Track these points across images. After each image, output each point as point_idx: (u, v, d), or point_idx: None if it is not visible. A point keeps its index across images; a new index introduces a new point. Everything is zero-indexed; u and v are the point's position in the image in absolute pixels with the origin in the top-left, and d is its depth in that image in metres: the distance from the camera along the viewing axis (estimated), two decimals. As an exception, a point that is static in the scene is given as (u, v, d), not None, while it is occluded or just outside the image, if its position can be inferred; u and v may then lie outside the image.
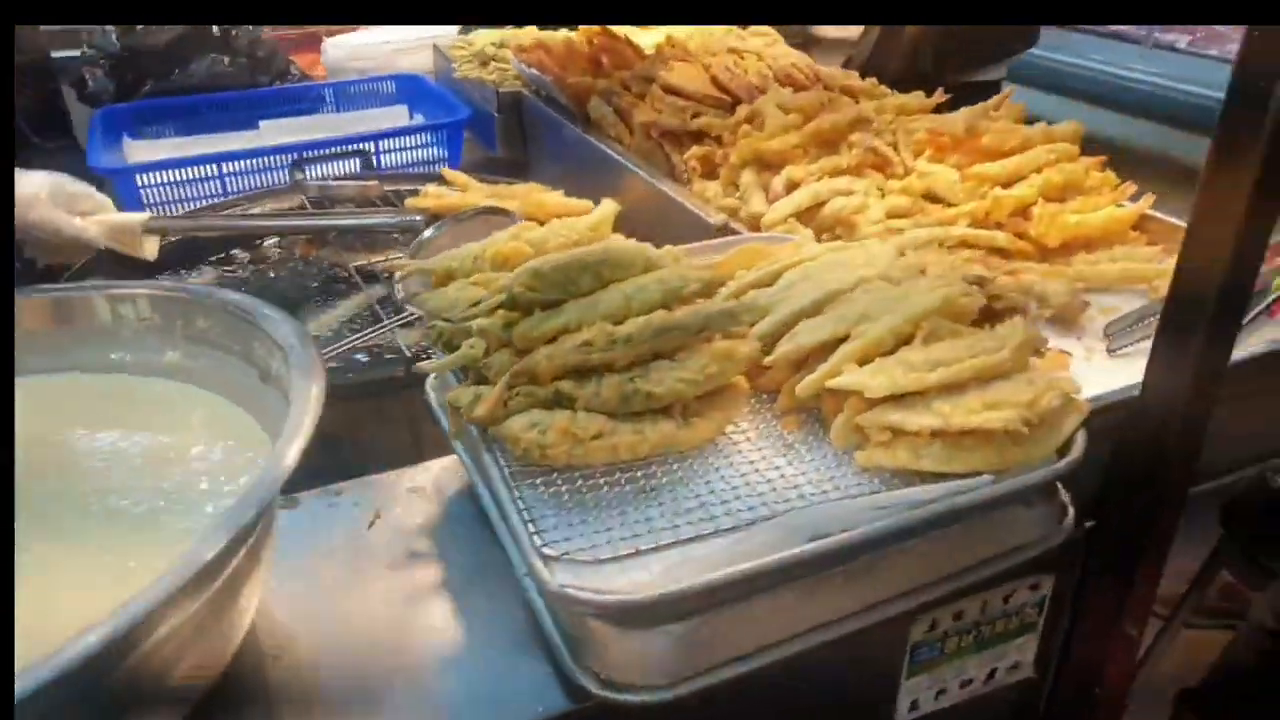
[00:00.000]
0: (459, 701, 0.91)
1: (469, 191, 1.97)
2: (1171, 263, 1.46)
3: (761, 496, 0.95)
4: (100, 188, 1.87)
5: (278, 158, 2.24)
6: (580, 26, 2.27)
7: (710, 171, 1.72)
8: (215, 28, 2.84)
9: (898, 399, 0.96)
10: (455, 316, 0.98)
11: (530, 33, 2.51)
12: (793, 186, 1.57)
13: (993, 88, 2.57)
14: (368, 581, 1.08)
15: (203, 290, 1.14)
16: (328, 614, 1.02)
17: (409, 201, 1.93)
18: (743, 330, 1.07)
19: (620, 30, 2.20)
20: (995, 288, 1.24)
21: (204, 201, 2.20)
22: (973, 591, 1.14)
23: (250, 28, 2.90)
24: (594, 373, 0.96)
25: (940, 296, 1.02)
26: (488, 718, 0.90)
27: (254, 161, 2.26)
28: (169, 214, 2.01)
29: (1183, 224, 1.54)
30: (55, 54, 2.87)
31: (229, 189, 2.28)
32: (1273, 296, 1.29)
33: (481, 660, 0.95)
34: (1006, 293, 1.25)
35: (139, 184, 2.20)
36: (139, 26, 2.78)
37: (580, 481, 0.96)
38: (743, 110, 1.73)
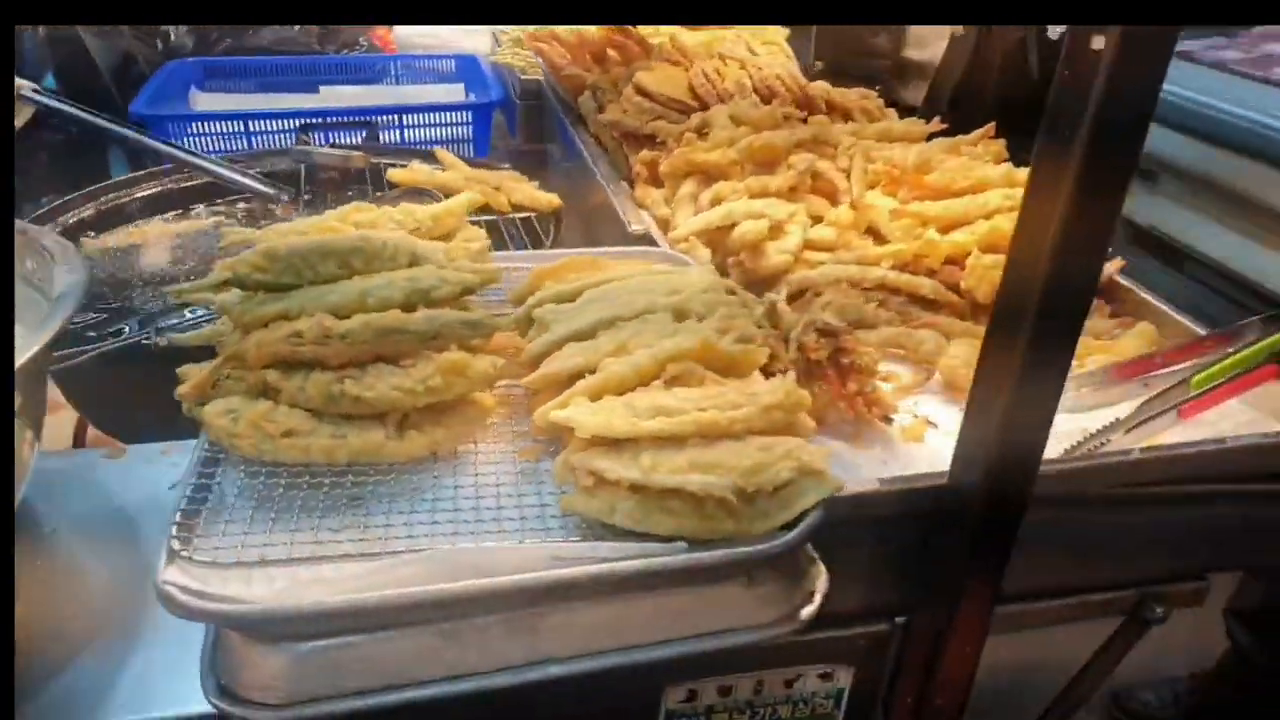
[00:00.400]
0: (103, 686, 0.88)
1: (449, 171, 1.95)
2: (1127, 339, 1.30)
3: (461, 524, 0.87)
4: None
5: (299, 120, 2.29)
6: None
7: (658, 178, 1.63)
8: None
9: (612, 443, 0.86)
10: (186, 289, 0.94)
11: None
12: (720, 203, 1.46)
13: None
14: (115, 545, 1.06)
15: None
16: (47, 569, 1.01)
17: (389, 174, 1.94)
18: (509, 343, 0.99)
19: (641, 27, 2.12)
20: (847, 342, 1.11)
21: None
22: (743, 668, 1.03)
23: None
24: (306, 366, 0.91)
25: (697, 339, 0.91)
26: (122, 703, 0.86)
27: (278, 122, 2.31)
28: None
29: (1150, 297, 1.37)
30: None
31: (254, 145, 2.34)
32: (1186, 397, 1.10)
33: (156, 646, 0.92)
34: (860, 348, 1.12)
35: (169, 131, 2.28)
36: None
37: (285, 477, 0.91)
38: (695, 119, 1.62)
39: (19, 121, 1.69)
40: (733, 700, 1.05)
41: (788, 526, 0.84)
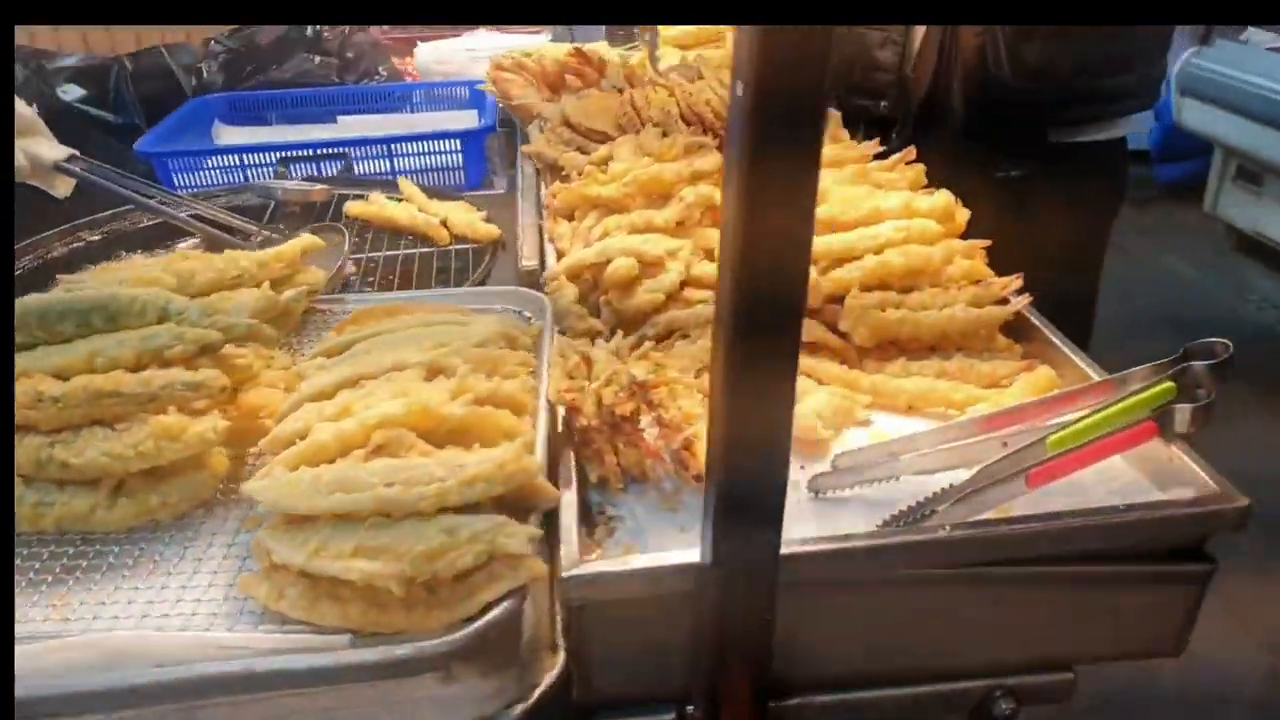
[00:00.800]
0: None
1: (398, 204, 1.93)
2: (1016, 387, 1.16)
3: (157, 604, 0.83)
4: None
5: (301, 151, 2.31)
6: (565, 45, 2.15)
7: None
8: (310, 29, 2.99)
9: (296, 520, 0.80)
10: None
11: (555, 49, 2.41)
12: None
13: (1111, 149, 2.07)
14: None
15: None
16: None
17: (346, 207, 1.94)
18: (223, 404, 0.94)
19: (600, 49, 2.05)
20: (655, 396, 1.02)
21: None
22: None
23: (344, 30, 3.02)
24: (23, 430, 0.88)
25: (408, 404, 0.83)
26: None
27: (266, 156, 2.35)
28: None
29: (1053, 337, 1.22)
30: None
31: (249, 179, 2.38)
32: (1040, 459, 0.96)
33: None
34: (670, 403, 1.02)
35: (170, 168, 2.35)
36: (249, 28, 2.98)
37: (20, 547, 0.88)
38: (602, 150, 1.54)
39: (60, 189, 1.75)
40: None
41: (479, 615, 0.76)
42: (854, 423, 1.15)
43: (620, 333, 1.23)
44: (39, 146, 1.73)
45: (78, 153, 1.71)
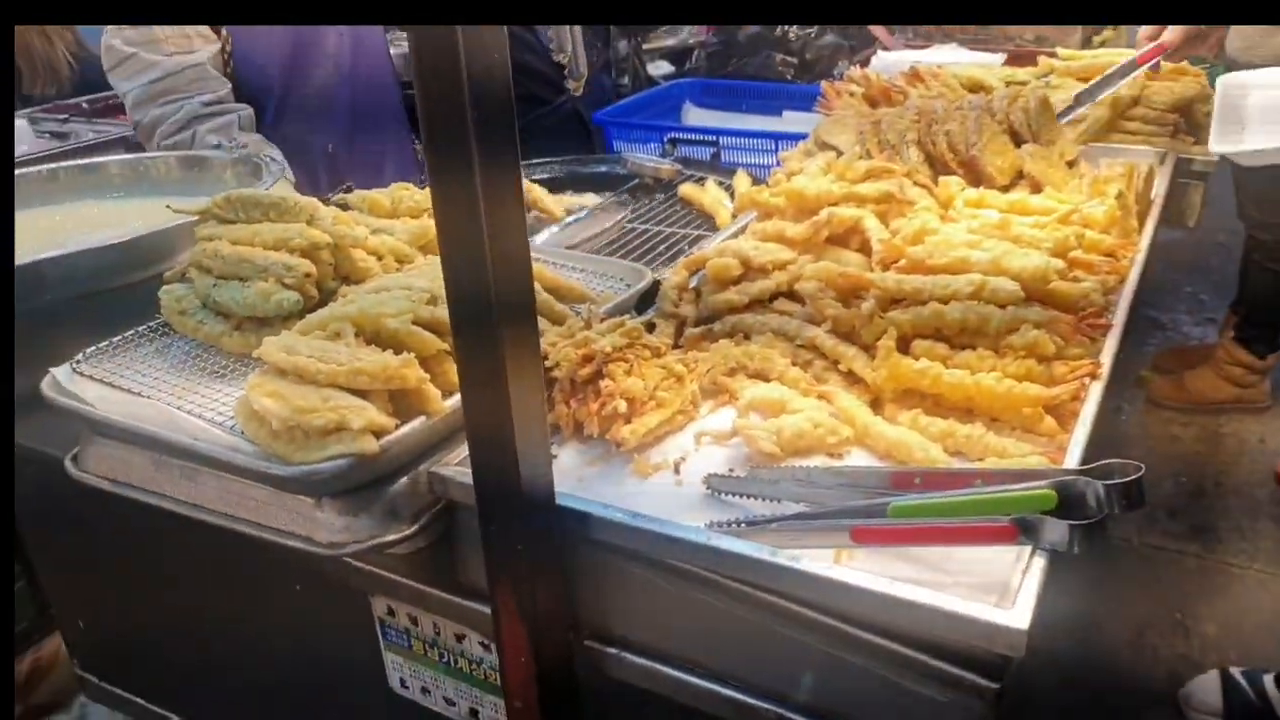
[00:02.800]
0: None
1: (709, 190, 2.18)
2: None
3: (212, 400, 1.23)
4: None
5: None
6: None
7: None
8: (778, 29, 3.29)
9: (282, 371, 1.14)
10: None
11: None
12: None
13: None
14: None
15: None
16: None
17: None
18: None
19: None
20: (609, 369, 1.18)
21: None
22: (425, 608, 1.20)
23: (810, 33, 3.27)
24: (201, 272, 1.34)
25: (357, 309, 1.12)
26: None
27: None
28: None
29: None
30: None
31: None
32: (869, 521, 0.93)
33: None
34: (618, 377, 1.17)
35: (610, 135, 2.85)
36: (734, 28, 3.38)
37: (191, 348, 1.36)
38: (794, 162, 1.62)
39: None
40: (423, 632, 1.22)
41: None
42: (823, 450, 1.16)
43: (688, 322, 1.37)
44: None
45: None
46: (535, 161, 2.34)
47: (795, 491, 1.06)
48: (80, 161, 2.03)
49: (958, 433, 1.14)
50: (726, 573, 0.96)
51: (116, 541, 1.44)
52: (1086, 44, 3.82)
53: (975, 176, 1.61)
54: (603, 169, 2.34)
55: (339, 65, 2.32)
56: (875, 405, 1.23)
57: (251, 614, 1.37)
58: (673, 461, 1.15)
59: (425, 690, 1.27)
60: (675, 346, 1.37)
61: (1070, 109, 1.83)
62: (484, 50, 0.78)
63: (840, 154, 1.70)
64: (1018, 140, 1.72)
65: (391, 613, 1.24)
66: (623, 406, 1.14)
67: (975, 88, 2.19)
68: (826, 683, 0.95)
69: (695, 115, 3.09)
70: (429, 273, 1.28)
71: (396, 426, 1.07)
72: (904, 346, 1.24)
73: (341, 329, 1.12)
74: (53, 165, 1.98)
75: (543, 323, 1.30)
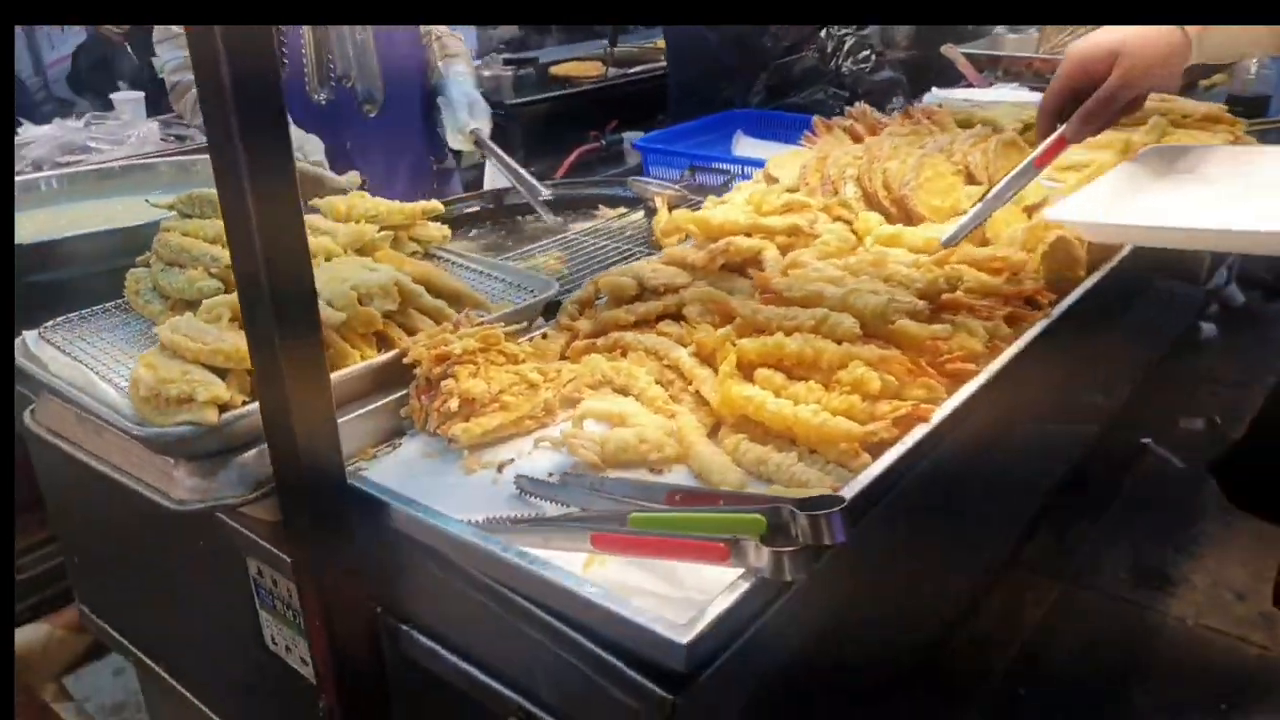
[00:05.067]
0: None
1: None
2: None
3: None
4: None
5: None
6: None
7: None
8: (833, 63, 3.29)
9: (164, 342, 1.29)
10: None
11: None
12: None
13: None
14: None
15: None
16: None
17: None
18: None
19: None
20: (454, 370, 1.27)
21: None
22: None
23: (864, 68, 3.26)
24: (156, 258, 1.52)
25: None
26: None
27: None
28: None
29: None
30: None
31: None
32: (608, 527, 0.99)
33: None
34: (461, 376, 1.26)
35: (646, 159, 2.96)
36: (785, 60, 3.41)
37: (141, 324, 1.54)
38: (732, 193, 1.66)
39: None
40: (280, 593, 1.34)
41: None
42: (644, 465, 1.22)
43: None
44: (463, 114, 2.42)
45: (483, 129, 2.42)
46: (550, 182, 2.46)
47: (587, 499, 1.12)
48: (136, 161, 2.29)
49: (770, 460, 1.17)
50: (473, 565, 1.03)
51: (69, 489, 1.63)
52: (1189, 89, 3.66)
53: (907, 215, 1.61)
54: (611, 191, 2.43)
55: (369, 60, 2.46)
56: (719, 427, 1.28)
57: (164, 568, 1.52)
58: (498, 462, 1.23)
59: (288, 649, 1.39)
60: (562, 358, 1.45)
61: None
62: (248, 51, 0.87)
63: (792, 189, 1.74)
64: (977, 183, 1.72)
65: (261, 574, 1.37)
66: (455, 405, 1.23)
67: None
68: (552, 679, 1.01)
69: (746, 145, 3.14)
70: (335, 272, 1.41)
71: (244, 403, 1.20)
72: (750, 374, 1.28)
73: (220, 313, 1.27)
74: (110, 163, 2.25)
75: (430, 323, 1.41)
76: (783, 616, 0.98)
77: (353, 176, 2.02)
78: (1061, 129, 1.47)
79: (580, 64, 5.06)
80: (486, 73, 4.53)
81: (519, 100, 4.47)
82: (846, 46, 3.27)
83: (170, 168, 2.26)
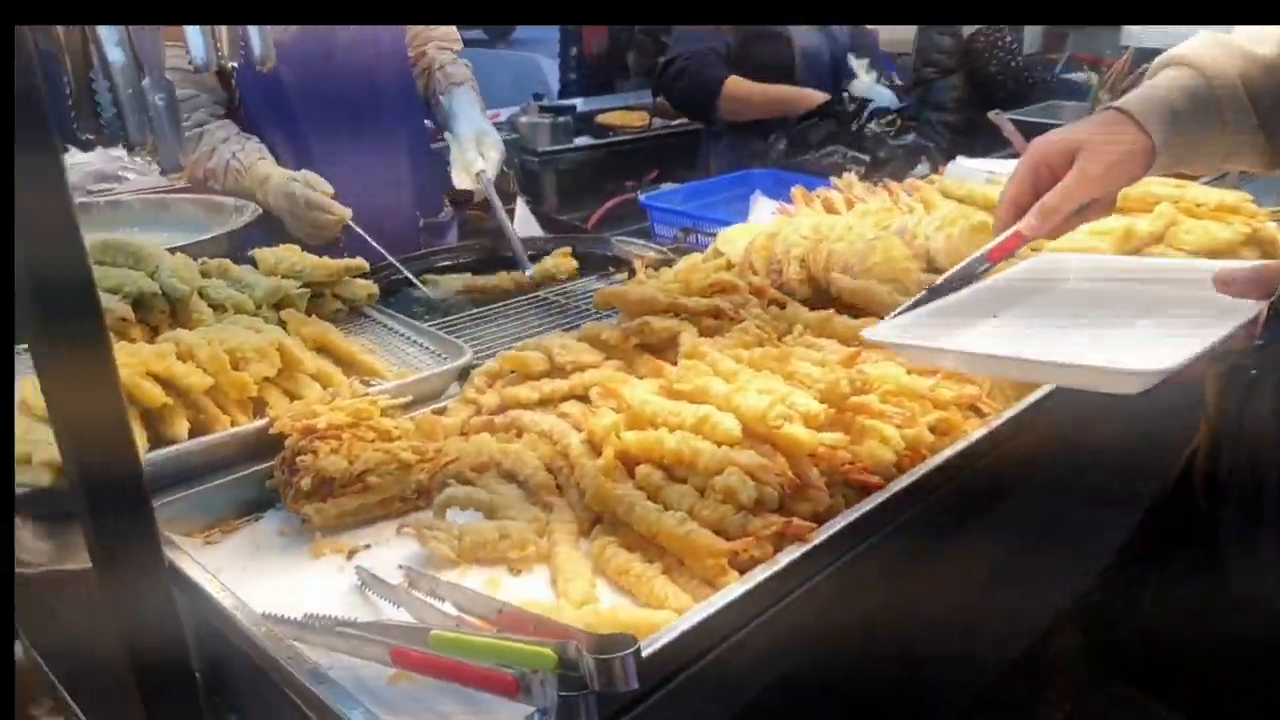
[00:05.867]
0: None
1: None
2: None
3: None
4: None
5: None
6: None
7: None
8: (852, 124, 3.18)
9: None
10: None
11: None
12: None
13: None
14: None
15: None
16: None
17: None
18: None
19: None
20: (318, 442, 1.21)
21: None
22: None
23: (886, 133, 3.14)
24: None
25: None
26: None
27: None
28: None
29: None
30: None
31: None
32: (408, 644, 0.90)
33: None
34: (320, 450, 1.20)
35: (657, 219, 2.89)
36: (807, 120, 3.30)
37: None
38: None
39: None
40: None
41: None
42: (505, 563, 1.13)
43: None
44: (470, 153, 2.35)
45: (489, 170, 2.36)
46: (528, 237, 2.40)
47: (419, 605, 1.03)
48: (149, 195, 2.31)
49: (632, 570, 1.07)
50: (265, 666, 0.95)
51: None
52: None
53: (850, 303, 1.50)
54: (596, 249, 2.36)
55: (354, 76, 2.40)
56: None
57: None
58: (350, 548, 1.15)
59: None
60: (462, 433, 1.38)
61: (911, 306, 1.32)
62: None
63: (730, 264, 1.64)
64: (936, 270, 1.60)
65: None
66: (306, 484, 1.16)
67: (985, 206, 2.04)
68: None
69: (763, 206, 3.06)
70: (215, 333, 1.35)
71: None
72: (634, 469, 1.18)
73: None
74: (118, 196, 2.28)
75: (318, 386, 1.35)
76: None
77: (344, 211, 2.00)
78: (1019, 225, 1.35)
79: (626, 113, 5.04)
80: (524, 119, 4.54)
81: (554, 148, 4.46)
82: (868, 110, 3.16)
83: (191, 205, 2.22)
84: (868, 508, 1.11)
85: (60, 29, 1.08)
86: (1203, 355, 1.05)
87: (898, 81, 5.42)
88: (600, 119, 4.94)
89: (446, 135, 2.54)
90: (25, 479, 1.11)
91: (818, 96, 3.45)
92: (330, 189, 2.11)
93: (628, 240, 2.38)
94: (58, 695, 1.47)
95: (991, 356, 1.18)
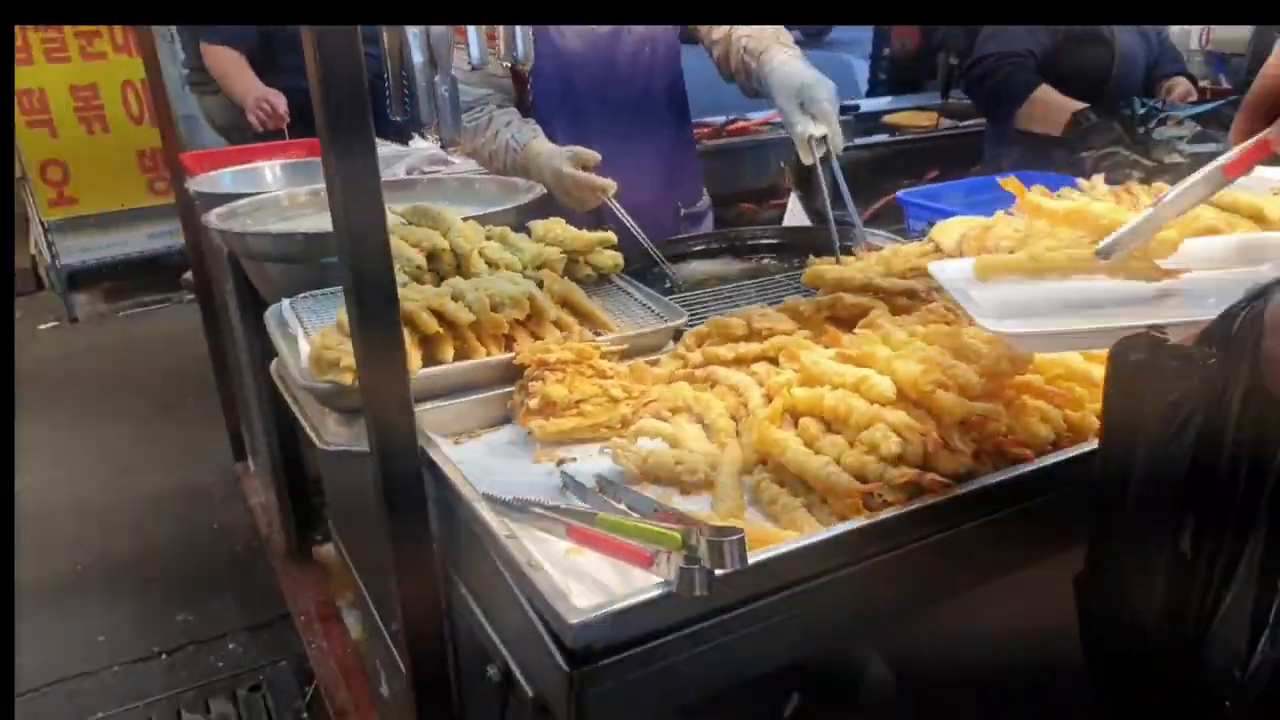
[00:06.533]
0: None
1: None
2: None
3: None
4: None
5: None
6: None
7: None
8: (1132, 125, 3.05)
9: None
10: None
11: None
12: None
13: None
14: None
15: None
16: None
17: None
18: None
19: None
20: (547, 370, 1.48)
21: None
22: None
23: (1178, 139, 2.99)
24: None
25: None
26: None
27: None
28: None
29: None
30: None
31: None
32: (579, 523, 1.14)
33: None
34: (547, 379, 1.47)
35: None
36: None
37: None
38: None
39: None
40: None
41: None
42: (677, 484, 1.34)
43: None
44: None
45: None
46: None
47: (600, 502, 1.27)
48: (463, 176, 2.75)
49: (779, 500, 1.25)
50: (483, 534, 1.22)
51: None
52: None
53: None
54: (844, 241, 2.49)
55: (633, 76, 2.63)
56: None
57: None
58: (559, 458, 1.42)
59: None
60: (668, 382, 1.60)
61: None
62: (337, 56, 1.09)
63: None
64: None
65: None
66: (534, 404, 1.43)
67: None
68: (521, 639, 1.17)
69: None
70: (482, 282, 1.67)
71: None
72: (797, 420, 1.35)
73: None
74: (440, 175, 2.73)
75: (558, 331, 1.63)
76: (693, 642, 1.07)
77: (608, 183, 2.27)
78: (1266, 132, 1.21)
79: (915, 114, 5.06)
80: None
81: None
82: (1158, 116, 3.01)
83: (493, 184, 2.63)
84: (1003, 477, 1.22)
85: (385, 35, 1.43)
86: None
87: (1224, 84, 5.03)
88: (888, 118, 5.00)
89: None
90: (331, 376, 1.47)
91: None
92: (598, 157, 2.33)
93: (874, 232, 2.50)
94: (357, 589, 1.86)
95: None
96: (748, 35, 2.51)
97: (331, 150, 1.11)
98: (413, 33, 1.29)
